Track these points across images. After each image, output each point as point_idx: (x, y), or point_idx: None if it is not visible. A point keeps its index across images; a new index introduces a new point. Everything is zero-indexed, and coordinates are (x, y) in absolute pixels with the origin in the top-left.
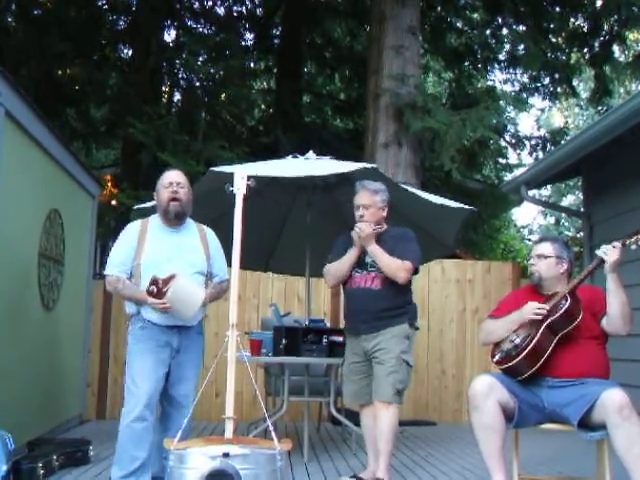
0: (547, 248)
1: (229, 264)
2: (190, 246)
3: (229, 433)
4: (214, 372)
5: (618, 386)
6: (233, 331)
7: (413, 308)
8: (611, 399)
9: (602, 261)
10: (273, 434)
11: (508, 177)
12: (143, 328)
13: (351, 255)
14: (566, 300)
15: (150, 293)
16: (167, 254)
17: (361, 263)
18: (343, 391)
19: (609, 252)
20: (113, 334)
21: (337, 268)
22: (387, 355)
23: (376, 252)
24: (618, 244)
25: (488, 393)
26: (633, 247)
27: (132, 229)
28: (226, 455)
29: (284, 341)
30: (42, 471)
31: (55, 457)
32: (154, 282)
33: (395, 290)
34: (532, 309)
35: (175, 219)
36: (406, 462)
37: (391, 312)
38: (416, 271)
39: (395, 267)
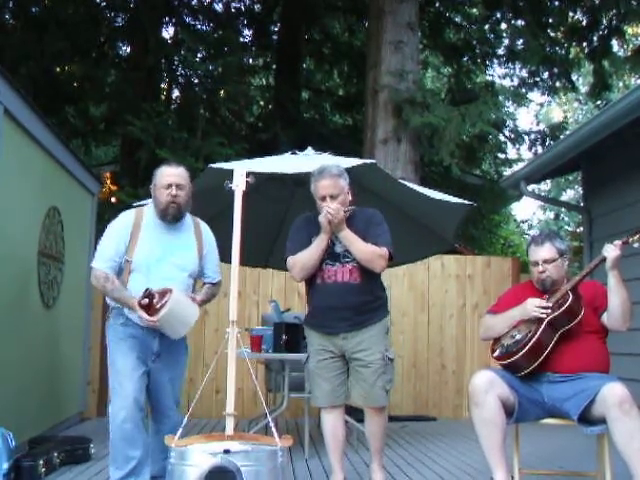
0: (550, 250)
1: (229, 260)
2: (183, 245)
3: (230, 430)
4: (214, 369)
5: (618, 380)
6: (233, 328)
7: (386, 295)
8: (611, 393)
9: (604, 258)
10: (274, 430)
11: (507, 172)
12: (124, 325)
13: (321, 242)
14: (568, 297)
15: (142, 306)
16: (159, 253)
17: (331, 254)
18: (313, 391)
19: (609, 249)
20: None
21: (307, 259)
22: (372, 356)
23: (350, 238)
24: (619, 242)
25: (488, 388)
26: (636, 245)
27: (125, 220)
28: (227, 452)
29: (284, 337)
30: (43, 469)
31: (56, 455)
32: (148, 295)
33: (373, 281)
34: (534, 307)
35: (173, 221)
36: (406, 457)
37: (372, 305)
38: (391, 257)
39: (372, 255)
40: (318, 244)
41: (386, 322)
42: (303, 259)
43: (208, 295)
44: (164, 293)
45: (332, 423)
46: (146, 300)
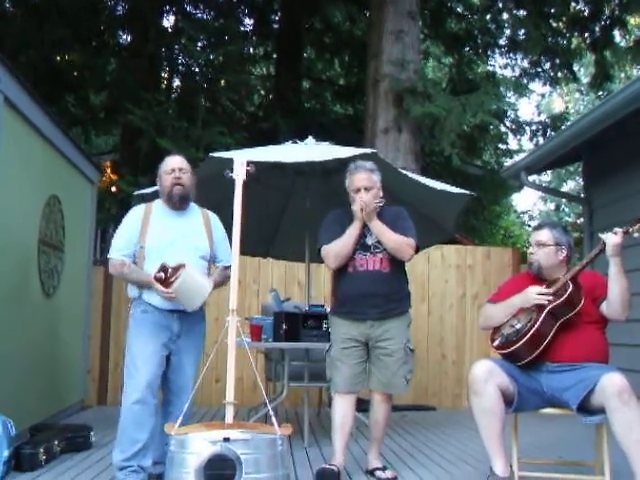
0: (546, 235)
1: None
2: (194, 230)
3: (230, 418)
4: (214, 358)
5: (618, 370)
6: (233, 316)
7: (409, 289)
8: (610, 383)
9: (604, 245)
10: (273, 419)
11: (508, 163)
12: (144, 312)
13: (354, 230)
14: (568, 287)
15: (158, 280)
16: (171, 238)
17: (363, 245)
18: (333, 377)
19: (609, 236)
20: (114, 320)
21: (341, 247)
22: (396, 346)
23: (380, 228)
24: (619, 230)
25: (488, 378)
26: (636, 235)
27: (136, 213)
28: (227, 440)
29: (284, 326)
30: (44, 456)
31: (57, 442)
32: (163, 269)
33: (401, 271)
34: (535, 294)
35: (180, 202)
36: (406, 447)
37: (400, 294)
38: (417, 250)
39: (402, 244)
40: (351, 232)
41: (410, 315)
42: (337, 247)
43: (222, 276)
44: (178, 267)
45: (344, 410)
46: (161, 274)
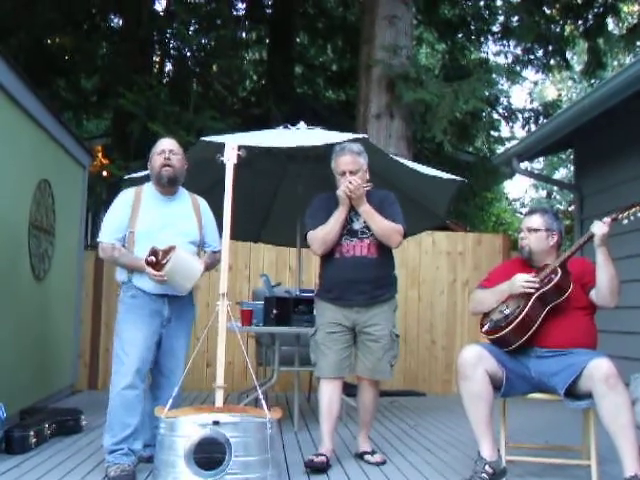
0: (537, 221)
1: (220, 235)
2: (183, 215)
3: (219, 402)
4: (205, 342)
5: (605, 356)
6: (223, 300)
7: (396, 274)
8: (598, 368)
9: (592, 235)
10: (263, 403)
11: (501, 150)
12: (134, 297)
13: (340, 215)
14: (557, 273)
15: (149, 263)
16: (161, 223)
17: (350, 230)
18: (319, 362)
19: (598, 226)
20: (104, 305)
21: (326, 232)
22: (382, 332)
23: (370, 213)
24: (608, 219)
25: (477, 362)
26: (625, 222)
27: (126, 196)
28: (216, 423)
29: (275, 311)
30: (34, 439)
31: (47, 426)
32: (154, 253)
33: (388, 257)
34: (522, 282)
35: (168, 185)
36: (395, 432)
37: (387, 280)
38: (405, 236)
39: (391, 231)
40: (337, 217)
41: (396, 300)
42: (322, 233)
43: (212, 259)
44: (168, 250)
45: (330, 395)
46: (152, 257)
